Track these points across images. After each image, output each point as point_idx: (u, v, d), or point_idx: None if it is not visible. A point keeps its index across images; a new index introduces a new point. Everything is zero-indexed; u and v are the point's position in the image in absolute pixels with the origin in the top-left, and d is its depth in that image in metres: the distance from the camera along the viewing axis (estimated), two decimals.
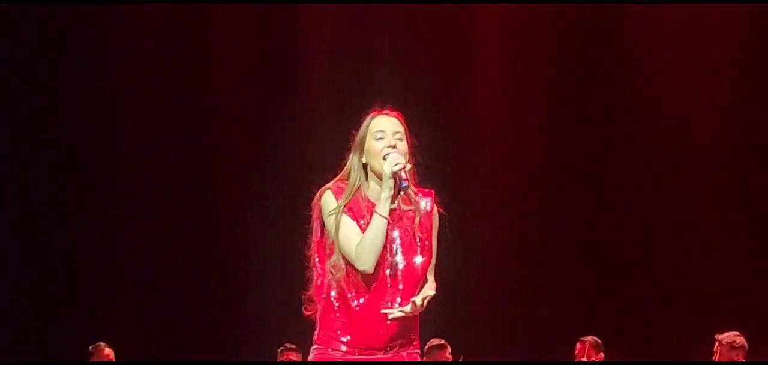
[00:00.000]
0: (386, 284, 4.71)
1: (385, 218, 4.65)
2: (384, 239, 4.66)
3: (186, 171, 11.40)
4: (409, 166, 4.69)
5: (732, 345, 8.34)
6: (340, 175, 4.83)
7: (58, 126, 11.16)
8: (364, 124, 4.82)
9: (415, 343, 4.84)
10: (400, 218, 4.75)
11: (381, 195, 4.67)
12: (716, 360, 8.37)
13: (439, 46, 11.13)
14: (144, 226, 11.23)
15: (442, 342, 9.24)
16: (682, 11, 10.72)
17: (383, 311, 4.67)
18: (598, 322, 9.89)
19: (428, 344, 9.14)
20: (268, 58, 11.33)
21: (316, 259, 4.83)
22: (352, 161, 4.82)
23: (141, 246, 11.27)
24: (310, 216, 4.81)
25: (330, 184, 4.83)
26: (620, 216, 10.71)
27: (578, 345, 9.24)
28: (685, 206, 10.70)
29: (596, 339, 9.22)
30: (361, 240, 4.66)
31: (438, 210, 4.85)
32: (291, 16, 11.27)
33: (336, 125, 9.04)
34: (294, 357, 9.40)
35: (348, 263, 4.70)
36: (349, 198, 4.75)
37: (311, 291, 4.85)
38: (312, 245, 4.84)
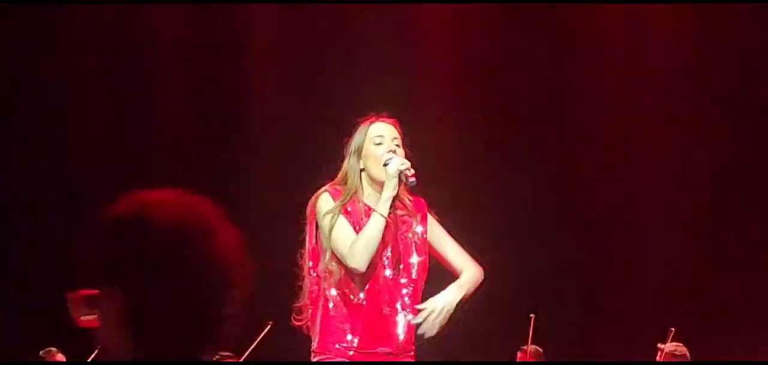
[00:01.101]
0: (386, 285, 4.76)
1: (385, 217, 4.68)
2: (380, 238, 4.67)
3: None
4: (414, 181, 4.75)
5: (674, 354, 8.43)
6: (335, 179, 4.87)
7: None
8: (361, 130, 4.88)
9: (412, 351, 4.90)
10: (396, 223, 4.80)
11: (382, 195, 4.71)
12: None
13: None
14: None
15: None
16: (630, 11, 10.77)
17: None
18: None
19: None
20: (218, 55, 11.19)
21: (311, 266, 4.85)
22: (349, 165, 4.85)
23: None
24: (304, 223, 4.85)
25: (326, 187, 4.86)
26: (573, 216, 10.76)
27: (519, 354, 9.17)
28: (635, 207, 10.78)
29: (538, 348, 9.15)
30: (357, 238, 4.67)
31: (433, 217, 4.91)
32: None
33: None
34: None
35: (343, 267, 4.71)
36: (346, 200, 4.78)
37: (303, 301, 4.87)
38: (306, 253, 4.87)
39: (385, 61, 10.57)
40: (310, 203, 4.83)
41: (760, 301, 9.80)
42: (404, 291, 4.80)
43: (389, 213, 4.75)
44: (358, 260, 4.66)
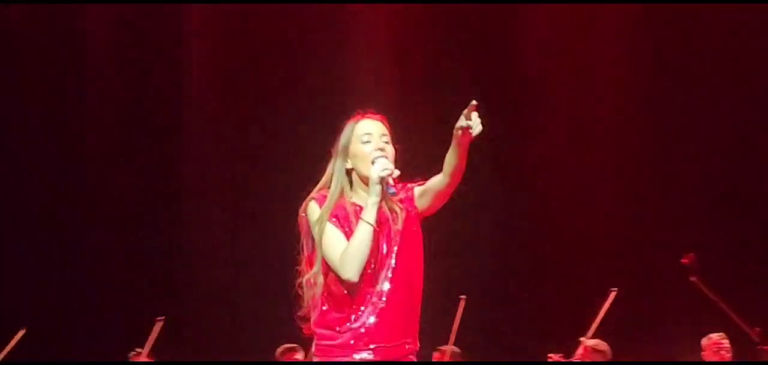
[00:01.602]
0: (376, 280, 4.60)
1: (372, 225, 4.55)
2: (370, 246, 4.54)
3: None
4: (397, 172, 4.60)
5: (595, 348, 8.62)
6: (320, 183, 4.73)
7: None
8: (348, 128, 4.73)
9: (414, 349, 4.73)
10: (386, 217, 4.63)
11: (368, 201, 4.57)
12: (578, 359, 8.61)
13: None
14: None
15: (294, 345, 9.16)
16: (578, 10, 10.87)
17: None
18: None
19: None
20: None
21: (309, 274, 4.70)
22: (334, 167, 4.71)
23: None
24: (299, 233, 4.70)
25: (313, 193, 4.72)
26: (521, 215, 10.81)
27: (435, 355, 9.09)
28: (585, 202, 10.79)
29: (455, 349, 9.12)
30: (345, 248, 4.56)
31: (416, 185, 4.74)
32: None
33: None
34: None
35: (330, 274, 4.59)
36: (331, 206, 4.65)
37: (307, 309, 4.73)
38: (303, 261, 4.72)
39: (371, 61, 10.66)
40: (301, 212, 4.72)
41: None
42: (398, 282, 4.66)
43: (379, 210, 4.61)
44: (349, 271, 4.55)
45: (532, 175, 10.99)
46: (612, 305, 8.87)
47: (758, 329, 8.56)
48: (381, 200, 4.57)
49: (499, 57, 11.09)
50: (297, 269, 4.72)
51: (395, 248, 4.64)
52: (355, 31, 11.17)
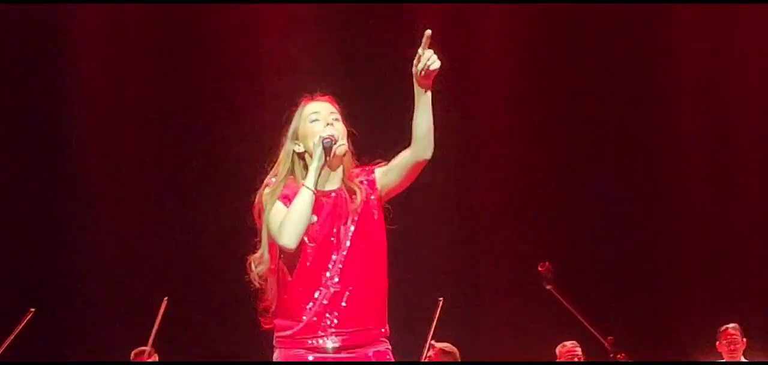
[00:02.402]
0: (332, 262, 4.51)
1: (311, 190, 4.47)
2: (310, 212, 4.46)
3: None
4: (344, 146, 4.56)
5: (444, 350, 8.62)
6: (273, 171, 4.67)
7: None
8: (297, 112, 4.70)
9: (381, 335, 4.60)
10: (340, 201, 4.58)
11: (310, 167, 4.51)
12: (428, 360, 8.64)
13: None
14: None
15: (145, 348, 9.01)
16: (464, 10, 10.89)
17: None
18: None
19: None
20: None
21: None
22: (284, 151, 4.66)
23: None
24: (255, 224, 4.63)
25: (266, 180, 4.67)
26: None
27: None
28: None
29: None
30: (285, 215, 4.46)
31: (377, 166, 4.67)
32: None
33: None
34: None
35: (282, 251, 4.50)
36: (279, 186, 4.58)
37: (267, 301, 4.64)
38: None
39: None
40: (256, 199, 4.67)
41: None
42: (355, 264, 4.56)
43: (337, 189, 4.59)
44: (287, 238, 4.44)
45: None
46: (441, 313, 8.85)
47: (611, 337, 8.66)
48: (322, 166, 4.51)
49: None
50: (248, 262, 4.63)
51: (352, 228, 4.57)
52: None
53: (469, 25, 11.08)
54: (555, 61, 10.78)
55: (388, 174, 4.65)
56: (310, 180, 4.49)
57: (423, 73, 4.37)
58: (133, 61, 11.00)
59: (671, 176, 10.90)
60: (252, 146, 10.78)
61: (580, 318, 8.64)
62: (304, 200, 4.46)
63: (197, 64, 11.04)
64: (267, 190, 4.61)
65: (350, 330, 4.53)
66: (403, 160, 4.59)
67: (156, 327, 8.95)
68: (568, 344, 9.35)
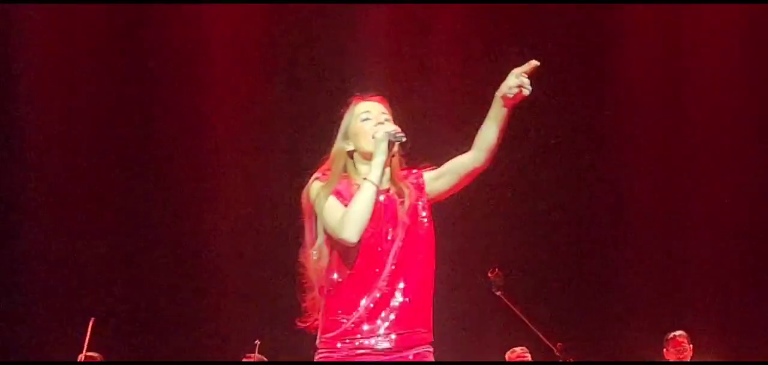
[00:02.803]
0: (382, 264, 4.46)
1: (375, 184, 4.42)
2: (372, 207, 4.40)
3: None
4: (403, 136, 4.49)
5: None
6: (324, 165, 4.62)
7: None
8: (348, 111, 4.66)
9: (427, 339, 4.56)
10: (390, 202, 4.53)
11: (372, 162, 4.44)
12: None
13: None
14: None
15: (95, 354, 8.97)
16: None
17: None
18: None
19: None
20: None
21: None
22: (336, 149, 4.62)
23: None
24: (302, 219, 4.56)
25: (315, 174, 4.61)
26: None
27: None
28: None
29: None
30: (347, 208, 4.40)
31: (426, 170, 4.65)
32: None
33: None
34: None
35: (334, 248, 4.45)
36: (334, 182, 4.52)
37: (310, 299, 4.59)
38: (307, 248, 4.58)
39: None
40: (304, 194, 4.60)
41: None
42: (405, 267, 4.52)
43: (386, 189, 4.54)
44: (349, 231, 4.37)
45: None
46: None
47: (560, 343, 8.69)
48: (386, 162, 4.46)
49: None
50: (300, 259, 4.59)
51: (402, 230, 4.52)
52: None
53: (422, 24, 11.03)
54: (505, 62, 10.72)
55: (440, 178, 4.64)
56: (374, 175, 4.44)
57: (512, 94, 4.39)
58: (81, 64, 10.89)
59: (623, 180, 10.90)
60: (196, 143, 10.80)
61: (529, 323, 8.66)
62: (368, 194, 4.40)
63: (144, 65, 10.93)
64: (318, 184, 4.55)
65: (398, 332, 4.49)
66: (460, 165, 4.60)
67: (85, 347, 8.95)
68: (518, 350, 9.37)
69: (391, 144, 4.49)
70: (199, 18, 10.96)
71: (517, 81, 4.41)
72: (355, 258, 4.48)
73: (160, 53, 10.90)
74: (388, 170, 4.56)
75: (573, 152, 10.76)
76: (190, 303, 10.56)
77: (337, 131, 4.67)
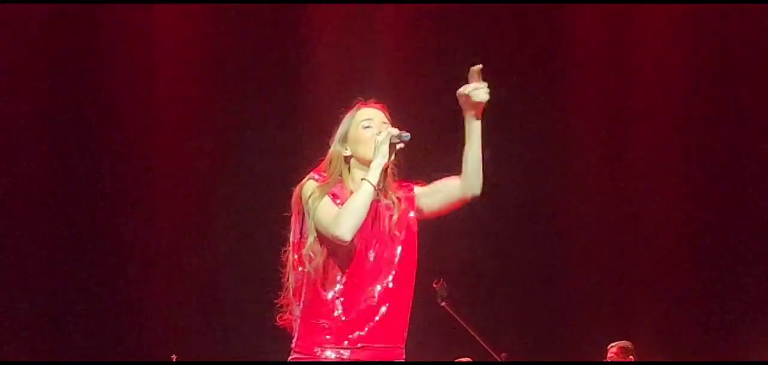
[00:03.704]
0: (371, 274, 4.47)
1: (373, 186, 4.42)
2: (368, 207, 4.39)
3: None
4: (408, 135, 4.48)
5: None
6: (319, 167, 4.62)
7: None
8: (348, 116, 4.66)
9: (401, 355, 4.59)
10: (379, 213, 4.53)
11: (372, 164, 4.43)
12: None
13: None
14: None
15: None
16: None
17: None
18: None
19: None
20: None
21: (296, 259, 4.55)
22: (333, 152, 4.61)
23: None
24: (289, 217, 4.57)
25: (311, 174, 4.59)
26: None
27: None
28: None
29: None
30: (343, 206, 4.39)
31: (417, 185, 4.65)
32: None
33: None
34: None
35: (326, 250, 4.44)
36: (330, 185, 4.52)
37: (286, 297, 4.58)
38: (290, 247, 4.58)
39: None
40: (295, 192, 4.60)
41: None
42: (390, 281, 4.56)
43: (376, 199, 4.53)
44: (343, 228, 4.37)
45: None
46: None
47: (504, 354, 8.70)
48: (387, 166, 4.45)
49: None
50: (284, 255, 4.58)
51: (390, 243, 4.52)
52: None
53: (365, 21, 10.93)
54: (450, 60, 10.67)
55: (431, 197, 4.65)
56: (373, 175, 4.42)
57: (466, 100, 4.41)
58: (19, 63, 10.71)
59: (570, 185, 10.84)
60: (143, 151, 10.69)
61: (474, 334, 8.60)
62: (365, 193, 4.38)
63: (91, 67, 10.77)
64: (313, 184, 4.51)
65: (375, 345, 4.51)
66: (451, 190, 4.63)
67: None
68: (463, 360, 9.32)
69: (392, 147, 4.47)
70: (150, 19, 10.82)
71: (467, 88, 4.42)
72: (339, 266, 4.48)
73: (108, 53, 10.78)
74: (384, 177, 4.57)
75: (519, 156, 10.69)
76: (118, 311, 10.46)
77: (334, 131, 4.66)
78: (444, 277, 8.49)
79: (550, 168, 10.70)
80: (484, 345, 8.66)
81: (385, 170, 4.50)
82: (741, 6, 10.49)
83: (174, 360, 9.13)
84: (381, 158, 4.45)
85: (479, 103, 4.41)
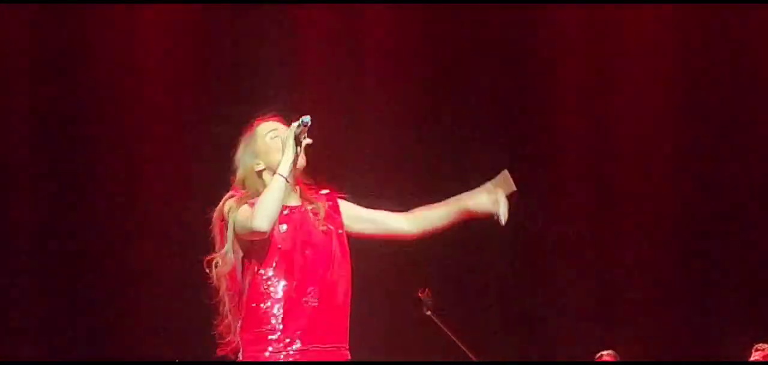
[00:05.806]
0: (305, 278, 4.57)
1: (284, 178, 4.54)
2: (281, 198, 4.53)
3: None
4: (308, 118, 4.61)
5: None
6: (234, 187, 4.73)
7: None
8: (249, 135, 4.79)
9: (345, 355, 4.69)
10: (305, 216, 4.66)
11: (282, 158, 4.58)
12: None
13: None
14: None
15: None
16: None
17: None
18: None
19: None
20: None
21: (228, 281, 4.66)
22: (245, 171, 4.73)
23: None
24: (212, 241, 4.69)
25: (229, 195, 4.72)
26: None
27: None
28: None
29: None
30: (258, 200, 4.53)
31: (341, 199, 4.80)
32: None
33: None
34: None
35: (251, 260, 4.53)
36: (250, 198, 4.64)
37: (222, 324, 4.69)
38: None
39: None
40: (216, 213, 4.74)
41: None
42: (327, 280, 4.67)
43: (298, 206, 4.70)
44: (259, 219, 4.52)
45: None
46: None
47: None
48: (296, 159, 4.57)
49: None
50: (215, 281, 4.65)
51: (320, 246, 4.63)
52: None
53: (353, 26, 10.90)
54: (434, 65, 10.68)
55: (360, 222, 4.81)
56: (284, 168, 4.56)
57: (485, 207, 4.74)
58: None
59: (553, 190, 10.82)
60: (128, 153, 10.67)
61: (460, 344, 8.64)
62: (278, 185, 4.53)
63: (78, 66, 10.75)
64: (232, 202, 4.64)
65: (313, 346, 4.59)
66: (388, 223, 4.83)
67: None
68: None
69: (297, 139, 4.60)
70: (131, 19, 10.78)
71: (494, 209, 4.80)
72: (275, 273, 4.57)
73: (88, 52, 10.75)
74: (297, 188, 4.72)
75: (503, 161, 10.67)
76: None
77: (234, 155, 4.79)
78: (428, 286, 8.51)
79: (533, 174, 10.71)
80: (470, 355, 8.68)
81: (295, 163, 4.61)
82: (729, 7, 10.49)
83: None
84: (290, 151, 4.59)
85: (488, 212, 4.68)
